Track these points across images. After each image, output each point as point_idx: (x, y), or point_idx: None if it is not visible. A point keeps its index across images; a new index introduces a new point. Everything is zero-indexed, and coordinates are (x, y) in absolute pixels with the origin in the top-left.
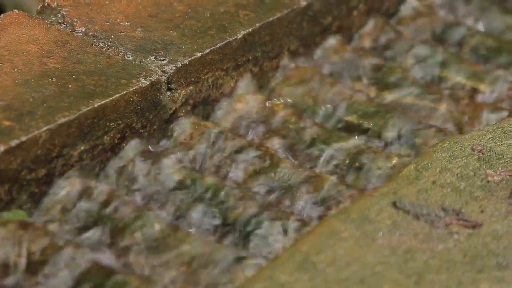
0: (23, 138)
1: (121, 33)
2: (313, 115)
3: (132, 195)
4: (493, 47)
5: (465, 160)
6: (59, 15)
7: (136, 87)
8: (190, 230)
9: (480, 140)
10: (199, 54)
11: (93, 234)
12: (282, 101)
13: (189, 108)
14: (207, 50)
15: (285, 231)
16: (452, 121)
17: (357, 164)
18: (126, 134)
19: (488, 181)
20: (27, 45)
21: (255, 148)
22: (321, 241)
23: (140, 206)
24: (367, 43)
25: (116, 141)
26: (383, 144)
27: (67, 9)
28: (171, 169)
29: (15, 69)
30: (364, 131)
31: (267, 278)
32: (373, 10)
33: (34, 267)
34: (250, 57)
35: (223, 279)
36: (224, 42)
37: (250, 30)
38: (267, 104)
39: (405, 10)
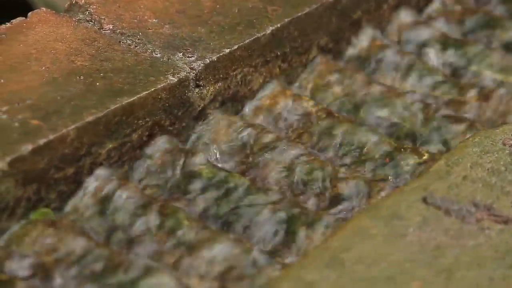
0: (51, 137)
1: (149, 30)
2: (343, 111)
3: (161, 193)
4: None
5: (496, 155)
6: (87, 13)
7: (164, 84)
8: (218, 229)
9: None
10: (227, 51)
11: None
12: (312, 97)
13: (217, 105)
14: (236, 46)
15: (314, 232)
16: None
17: (387, 159)
18: (155, 132)
19: None
20: (54, 43)
21: (285, 145)
22: (350, 238)
23: (169, 203)
24: (397, 37)
25: (145, 139)
26: (414, 139)
27: (94, 6)
28: (200, 167)
29: (43, 68)
30: (394, 126)
31: (295, 277)
32: (403, 4)
33: (64, 266)
34: (278, 53)
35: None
36: (252, 38)
37: (279, 25)
38: (296, 100)
39: (436, 2)
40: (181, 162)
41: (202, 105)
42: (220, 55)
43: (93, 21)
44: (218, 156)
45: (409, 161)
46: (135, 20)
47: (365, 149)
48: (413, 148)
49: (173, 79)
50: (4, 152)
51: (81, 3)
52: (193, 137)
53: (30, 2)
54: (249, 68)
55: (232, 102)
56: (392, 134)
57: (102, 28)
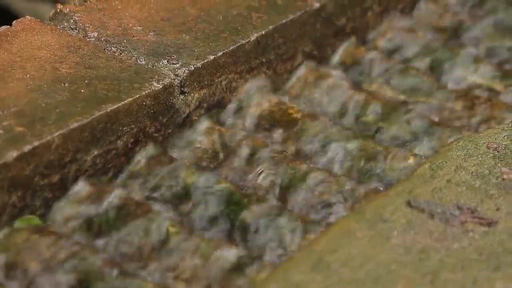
0: (36, 144)
1: (134, 38)
2: (328, 116)
3: (145, 199)
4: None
5: (480, 158)
6: (71, 21)
7: (149, 90)
8: (204, 233)
9: (495, 138)
10: (212, 57)
11: (107, 239)
12: (297, 103)
13: (203, 111)
14: (220, 53)
15: (297, 234)
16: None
17: (372, 164)
18: (140, 139)
19: (503, 179)
20: (39, 51)
21: (270, 151)
22: (335, 240)
23: (154, 210)
24: (381, 44)
25: (130, 146)
26: (398, 144)
27: (79, 14)
28: (185, 173)
29: (27, 75)
30: (380, 131)
31: (281, 278)
32: (388, 11)
33: (49, 271)
34: (263, 60)
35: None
36: (237, 45)
37: (263, 32)
38: (281, 106)
39: (420, 9)
40: (166, 168)
41: (187, 111)
42: (204, 62)
43: (77, 29)
44: (203, 162)
45: (394, 165)
46: (120, 28)
47: (351, 154)
48: (398, 152)
49: (157, 86)
50: None
51: (65, 11)
52: (179, 143)
53: (17, 13)
54: (234, 75)
55: (218, 109)
56: (377, 138)
57: (87, 36)
